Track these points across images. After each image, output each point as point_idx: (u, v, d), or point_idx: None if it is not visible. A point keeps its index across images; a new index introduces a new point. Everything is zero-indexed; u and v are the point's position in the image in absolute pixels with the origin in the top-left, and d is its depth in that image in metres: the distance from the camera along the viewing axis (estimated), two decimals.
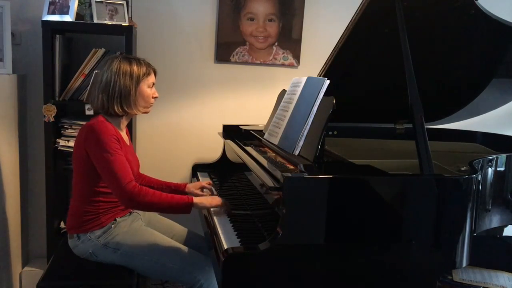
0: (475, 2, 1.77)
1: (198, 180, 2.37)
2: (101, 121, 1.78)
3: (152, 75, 1.89)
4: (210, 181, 2.19)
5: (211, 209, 1.85)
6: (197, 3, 2.67)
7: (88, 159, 1.75)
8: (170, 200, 1.73)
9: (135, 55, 1.88)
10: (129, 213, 1.95)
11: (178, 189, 2.09)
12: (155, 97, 1.91)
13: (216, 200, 1.83)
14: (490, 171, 1.90)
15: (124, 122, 1.91)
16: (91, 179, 1.79)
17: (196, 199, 1.77)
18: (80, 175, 1.82)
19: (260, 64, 2.78)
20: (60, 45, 2.26)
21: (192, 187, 2.09)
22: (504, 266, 2.24)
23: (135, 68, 1.81)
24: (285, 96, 2.01)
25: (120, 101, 1.79)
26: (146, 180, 2.10)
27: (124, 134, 1.93)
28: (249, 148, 2.00)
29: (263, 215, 1.69)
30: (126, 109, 1.81)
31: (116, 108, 1.80)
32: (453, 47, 2.03)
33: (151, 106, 1.91)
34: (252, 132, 2.23)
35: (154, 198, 1.71)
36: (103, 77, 1.80)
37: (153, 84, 1.89)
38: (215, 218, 1.78)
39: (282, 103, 2.00)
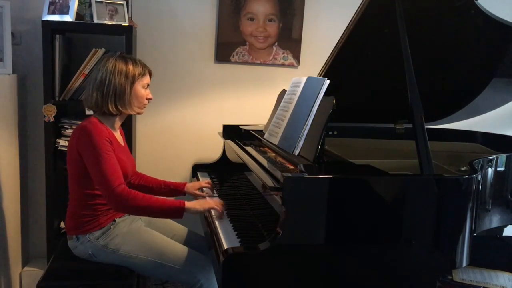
0: (475, 2, 1.77)
1: (198, 180, 2.37)
2: (94, 122, 1.76)
3: (147, 76, 1.87)
4: (210, 181, 2.19)
5: (212, 210, 1.83)
6: (197, 3, 2.67)
7: (82, 161, 1.73)
8: (161, 205, 1.71)
9: (131, 55, 1.86)
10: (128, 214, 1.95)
11: (177, 188, 2.08)
12: (149, 99, 1.89)
13: (208, 203, 1.80)
14: (490, 171, 1.90)
15: (117, 122, 1.89)
16: (86, 181, 1.76)
17: (188, 204, 1.74)
18: (75, 177, 1.80)
19: (260, 64, 2.78)
20: (60, 45, 2.26)
21: (191, 187, 2.08)
22: (504, 266, 2.24)
23: (130, 67, 1.80)
24: (285, 96, 2.00)
25: (115, 100, 1.77)
26: (144, 179, 2.08)
27: (118, 134, 1.91)
28: (249, 148, 2.00)
29: (263, 215, 1.69)
30: (120, 108, 1.80)
31: (110, 107, 1.78)
32: (453, 47, 2.02)
33: (145, 107, 1.89)
34: (252, 132, 2.23)
35: (144, 202, 1.69)
36: (98, 75, 1.78)
37: (148, 85, 1.87)
38: (215, 218, 1.78)
39: (282, 103, 2.00)
